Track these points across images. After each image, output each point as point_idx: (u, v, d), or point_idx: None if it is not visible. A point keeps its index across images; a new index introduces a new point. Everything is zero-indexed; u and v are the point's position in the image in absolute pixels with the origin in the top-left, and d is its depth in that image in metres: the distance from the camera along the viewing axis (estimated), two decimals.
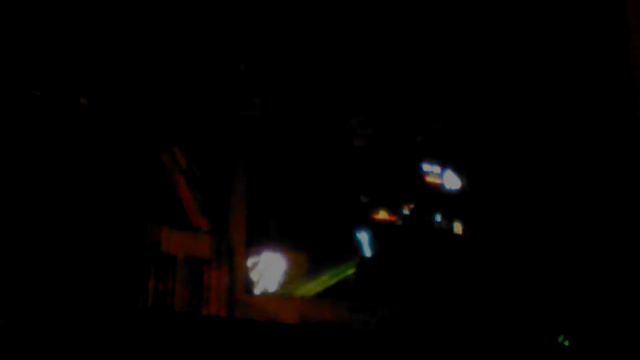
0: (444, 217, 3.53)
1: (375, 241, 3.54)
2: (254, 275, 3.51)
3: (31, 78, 3.34)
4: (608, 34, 3.00)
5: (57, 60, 3.34)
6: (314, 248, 3.57)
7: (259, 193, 3.60)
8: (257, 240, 3.54)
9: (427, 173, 3.54)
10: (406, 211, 3.54)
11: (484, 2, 3.19)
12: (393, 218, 3.56)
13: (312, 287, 3.51)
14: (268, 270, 3.51)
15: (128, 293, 3.37)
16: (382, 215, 3.57)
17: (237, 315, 3.44)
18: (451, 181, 3.52)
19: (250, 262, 3.52)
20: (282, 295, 3.47)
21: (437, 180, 3.53)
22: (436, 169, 3.53)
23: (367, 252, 3.53)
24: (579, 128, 3.18)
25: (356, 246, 3.58)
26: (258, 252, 3.53)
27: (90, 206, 3.39)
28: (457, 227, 3.51)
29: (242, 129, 3.61)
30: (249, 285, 3.49)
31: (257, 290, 3.49)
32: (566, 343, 3.04)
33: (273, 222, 3.62)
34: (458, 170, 3.50)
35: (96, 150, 3.47)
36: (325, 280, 3.50)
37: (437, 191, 3.53)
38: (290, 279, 3.51)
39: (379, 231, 3.57)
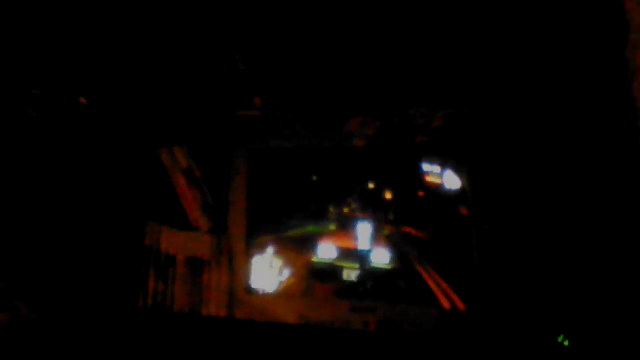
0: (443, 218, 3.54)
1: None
2: (254, 275, 3.50)
3: (31, 78, 3.34)
4: (607, 34, 3.00)
5: (57, 60, 3.34)
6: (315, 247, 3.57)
7: (259, 192, 3.60)
8: (257, 240, 3.54)
9: (427, 173, 3.55)
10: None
11: (483, 2, 3.20)
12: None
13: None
14: (268, 270, 3.51)
15: (128, 293, 3.37)
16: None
17: (237, 315, 3.44)
18: (451, 181, 3.52)
19: (250, 262, 3.52)
20: (282, 295, 3.47)
21: (437, 180, 3.53)
22: (436, 169, 3.54)
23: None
24: (578, 128, 3.18)
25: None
26: (259, 252, 3.53)
27: (89, 206, 3.39)
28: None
29: (242, 128, 3.61)
30: (249, 285, 3.49)
31: (257, 290, 3.48)
32: (566, 343, 3.04)
33: (273, 221, 3.62)
34: (458, 170, 3.50)
35: (96, 150, 3.47)
36: None
37: (437, 191, 3.53)
38: (290, 279, 3.51)
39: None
